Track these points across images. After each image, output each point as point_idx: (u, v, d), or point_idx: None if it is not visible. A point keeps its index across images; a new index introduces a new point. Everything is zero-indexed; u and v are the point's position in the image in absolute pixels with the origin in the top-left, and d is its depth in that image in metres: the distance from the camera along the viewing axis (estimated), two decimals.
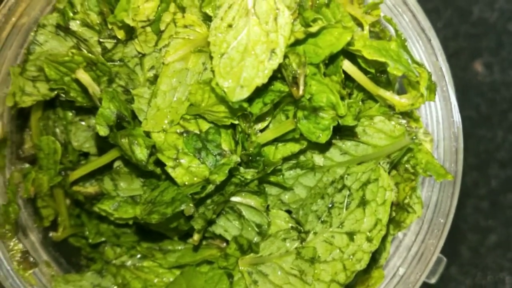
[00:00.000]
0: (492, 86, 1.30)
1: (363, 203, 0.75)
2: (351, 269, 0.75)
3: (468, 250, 1.30)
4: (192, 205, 0.75)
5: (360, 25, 0.77)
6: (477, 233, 1.30)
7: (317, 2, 0.72)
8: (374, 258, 0.82)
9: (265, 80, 0.70)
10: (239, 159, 0.76)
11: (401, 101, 0.74)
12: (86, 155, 0.90)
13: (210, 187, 0.75)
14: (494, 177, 1.30)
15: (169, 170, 0.76)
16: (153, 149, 0.77)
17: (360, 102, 0.78)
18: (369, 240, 0.74)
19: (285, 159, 0.80)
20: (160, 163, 0.78)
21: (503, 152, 1.30)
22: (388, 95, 0.75)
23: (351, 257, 0.75)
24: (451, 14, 1.29)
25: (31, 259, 0.85)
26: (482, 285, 1.31)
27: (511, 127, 1.30)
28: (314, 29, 0.68)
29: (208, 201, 0.80)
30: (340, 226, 0.77)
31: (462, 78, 1.29)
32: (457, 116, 0.74)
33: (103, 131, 0.74)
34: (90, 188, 0.88)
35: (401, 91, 0.81)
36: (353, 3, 0.77)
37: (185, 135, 0.77)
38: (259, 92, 0.73)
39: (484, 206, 1.30)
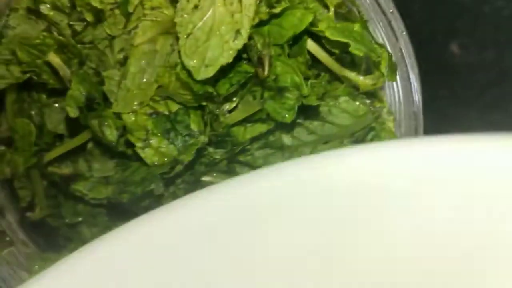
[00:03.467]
0: (468, 67, 1.31)
1: None
2: None
3: None
4: (161, 184, 0.77)
5: (326, 6, 0.78)
6: None
7: None
8: None
9: (230, 60, 0.71)
10: (207, 140, 0.78)
11: (364, 81, 0.76)
12: (61, 136, 0.92)
13: (179, 167, 0.77)
14: None
15: (139, 151, 0.77)
16: (124, 130, 0.79)
17: (326, 83, 0.79)
18: None
19: (254, 139, 0.82)
20: (130, 144, 0.79)
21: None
22: (353, 75, 0.77)
23: None
24: None
25: (7, 238, 0.87)
26: None
27: (485, 107, 1.32)
28: (277, 10, 0.70)
29: (179, 180, 0.82)
30: None
31: (438, 59, 1.31)
32: (416, 96, 0.76)
33: (73, 112, 0.76)
34: (65, 169, 0.90)
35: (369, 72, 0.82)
36: None
37: (154, 116, 0.78)
38: (226, 73, 0.74)
39: None
